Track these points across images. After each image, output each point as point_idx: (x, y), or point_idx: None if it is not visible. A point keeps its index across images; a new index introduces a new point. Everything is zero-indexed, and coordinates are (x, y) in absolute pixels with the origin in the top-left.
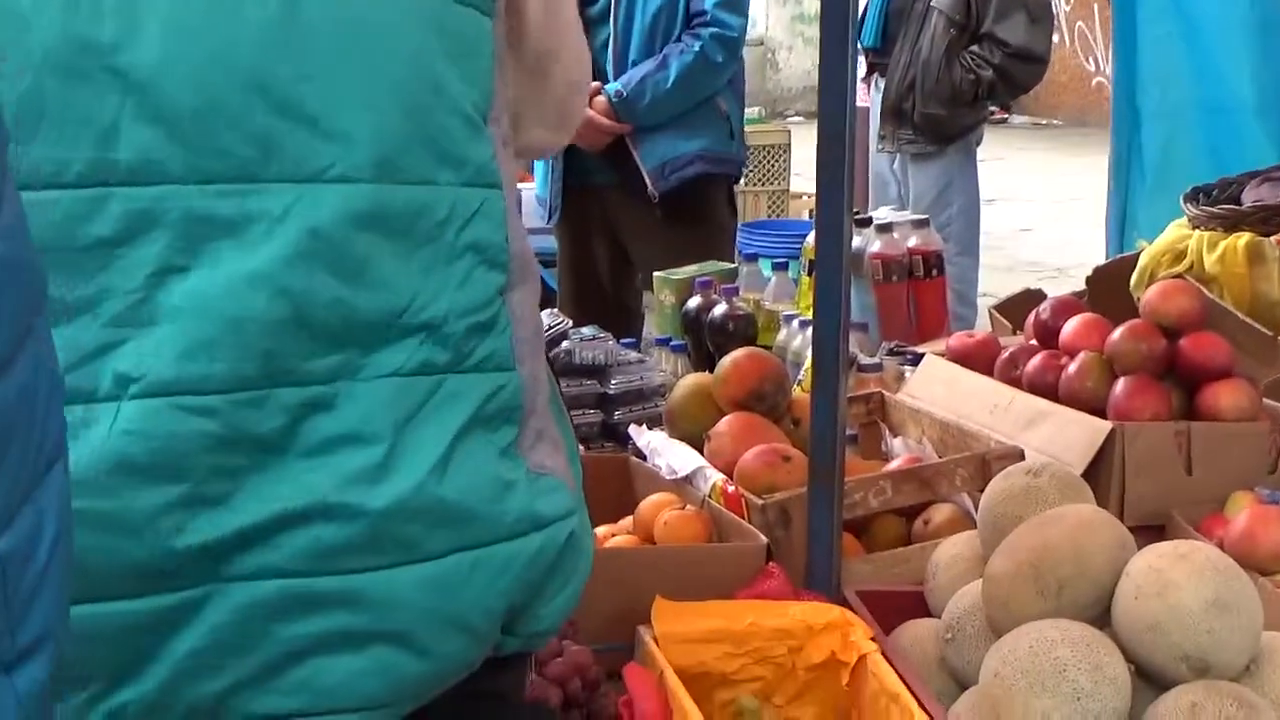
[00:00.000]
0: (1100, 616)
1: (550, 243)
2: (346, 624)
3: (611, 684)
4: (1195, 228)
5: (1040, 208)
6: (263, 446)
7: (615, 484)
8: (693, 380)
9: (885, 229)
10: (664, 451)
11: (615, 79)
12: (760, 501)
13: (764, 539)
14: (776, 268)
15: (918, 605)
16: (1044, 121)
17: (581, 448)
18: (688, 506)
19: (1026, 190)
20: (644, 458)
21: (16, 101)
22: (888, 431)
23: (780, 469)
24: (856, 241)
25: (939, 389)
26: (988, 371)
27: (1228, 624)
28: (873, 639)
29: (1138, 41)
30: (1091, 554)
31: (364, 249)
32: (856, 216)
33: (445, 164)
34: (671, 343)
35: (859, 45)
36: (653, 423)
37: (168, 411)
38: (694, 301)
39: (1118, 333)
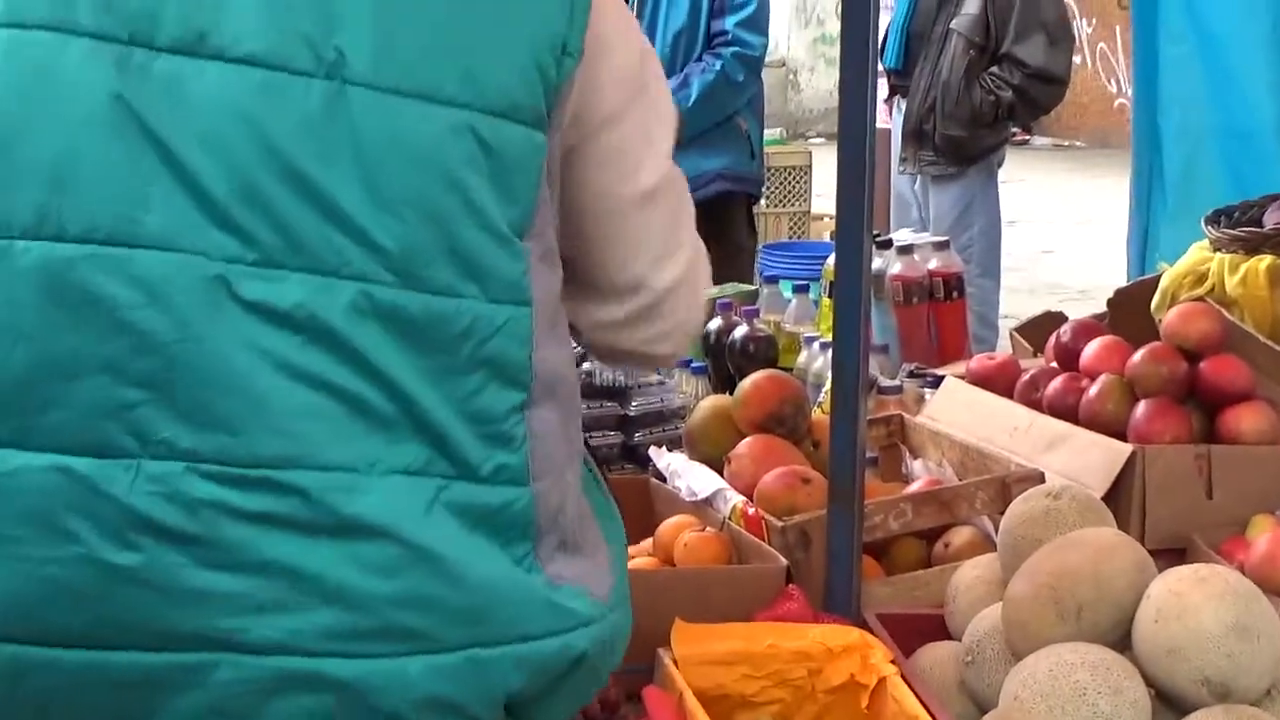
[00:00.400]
0: (1120, 640)
1: None
2: (348, 706)
3: (631, 706)
4: (1216, 250)
5: (1062, 229)
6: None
7: (635, 506)
8: (713, 402)
9: (906, 251)
10: (684, 473)
11: None
12: (780, 524)
13: (784, 561)
14: (797, 290)
15: (937, 628)
16: (1066, 143)
17: None
18: (708, 528)
19: (1048, 212)
20: (664, 479)
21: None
22: (908, 454)
23: (800, 491)
24: (877, 263)
25: (959, 411)
26: (1008, 394)
27: (1249, 648)
28: (892, 662)
29: (1159, 64)
30: (1112, 577)
31: (371, 344)
32: (877, 238)
33: (471, 278)
34: (692, 364)
35: (880, 67)
36: (673, 444)
37: (188, 478)
38: (714, 323)
39: (1138, 355)
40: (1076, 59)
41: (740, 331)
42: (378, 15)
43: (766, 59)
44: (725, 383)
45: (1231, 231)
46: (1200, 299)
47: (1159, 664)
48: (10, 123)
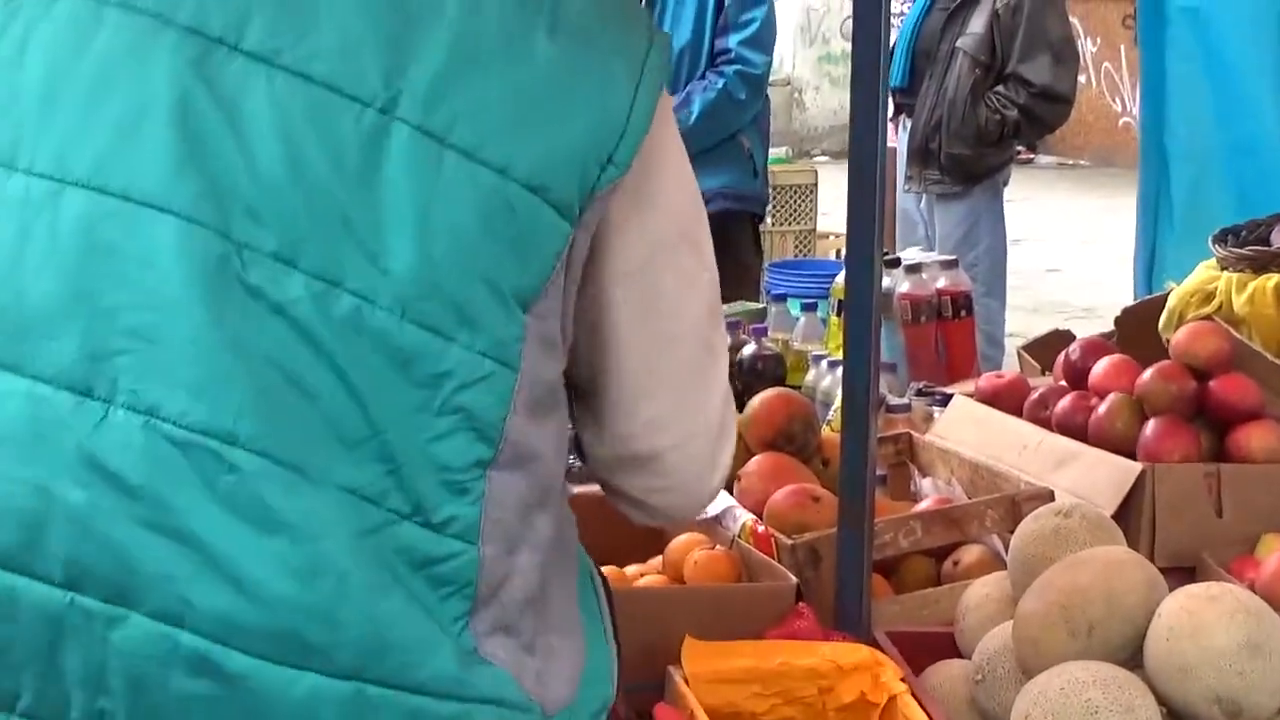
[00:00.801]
0: (1131, 658)
1: None
2: (229, 702)
3: None
4: (1224, 269)
5: (1067, 248)
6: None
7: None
8: None
9: (914, 270)
10: None
11: None
12: (790, 541)
13: (794, 579)
14: (805, 308)
15: (948, 646)
16: (1070, 162)
17: None
18: (717, 546)
19: (1053, 230)
20: None
21: None
22: (917, 472)
23: (810, 509)
24: (885, 282)
25: (968, 430)
26: (1017, 412)
27: (1260, 666)
28: (903, 680)
29: (1166, 83)
30: (1122, 595)
31: (355, 360)
32: (885, 257)
33: (464, 324)
34: None
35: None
36: None
37: (145, 432)
38: None
39: (1147, 374)
40: (1081, 78)
41: (748, 350)
42: (447, 67)
43: (771, 78)
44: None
45: (1239, 250)
46: (1208, 318)
47: (1171, 682)
48: (99, 81)
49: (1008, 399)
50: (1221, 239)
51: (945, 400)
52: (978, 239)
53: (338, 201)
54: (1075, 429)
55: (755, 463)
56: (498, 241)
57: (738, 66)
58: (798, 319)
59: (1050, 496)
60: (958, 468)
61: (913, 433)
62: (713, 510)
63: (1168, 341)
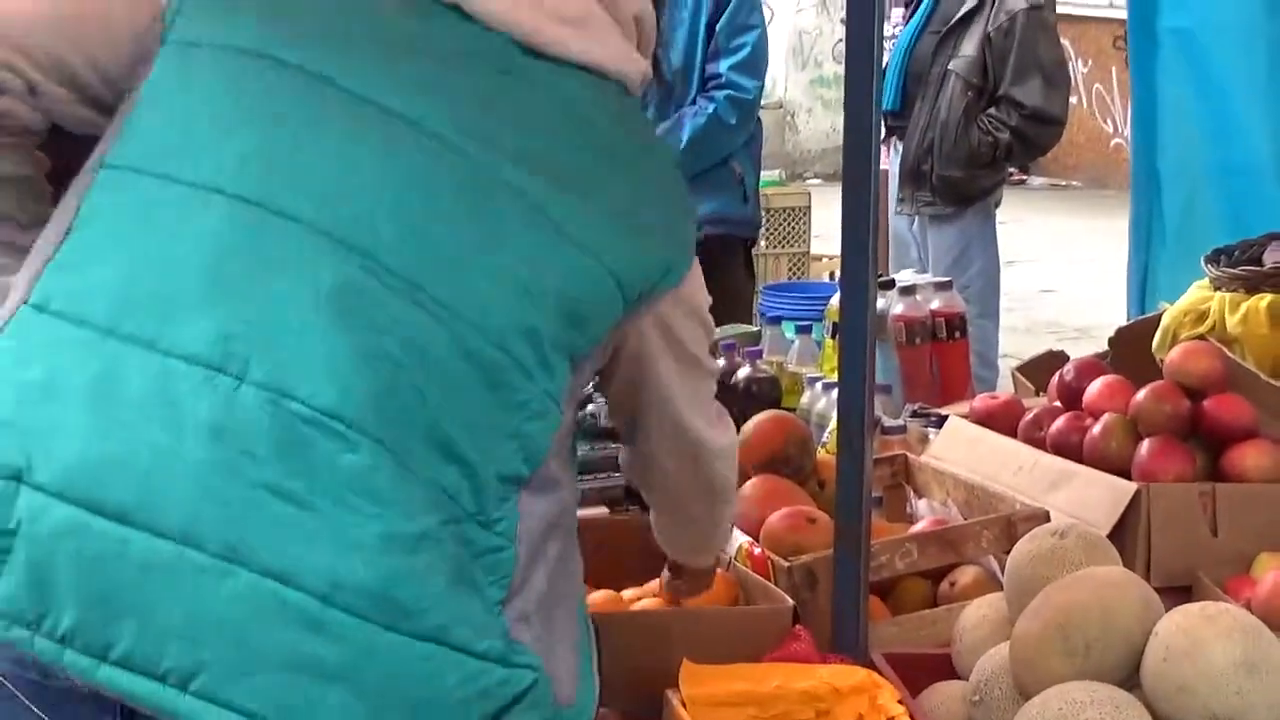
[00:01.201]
0: (1128, 678)
1: None
2: (328, 657)
3: None
4: (1217, 289)
5: (1060, 268)
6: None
7: (641, 547)
8: None
9: (908, 291)
10: None
11: None
12: (786, 564)
13: (790, 601)
14: (800, 330)
15: (945, 667)
16: (1063, 183)
17: (606, 510)
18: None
19: (1047, 251)
20: None
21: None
22: (912, 493)
23: (806, 531)
24: (879, 304)
25: (963, 451)
26: (1011, 433)
27: (1257, 685)
28: (900, 701)
29: (1157, 104)
30: (1119, 615)
31: (458, 381)
32: (879, 279)
33: (543, 369)
34: None
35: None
36: None
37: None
38: (718, 364)
39: (1141, 394)
40: (1073, 100)
41: (744, 373)
42: (568, 180)
43: (764, 100)
44: None
45: (1232, 270)
46: (1201, 337)
47: (1169, 701)
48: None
49: (1002, 420)
50: (1214, 259)
51: (940, 421)
52: (971, 260)
53: (464, 250)
54: (1070, 449)
55: (751, 485)
56: (576, 308)
57: (728, 91)
58: (793, 341)
59: (1046, 517)
60: (953, 489)
61: (908, 454)
62: None
63: (1161, 361)
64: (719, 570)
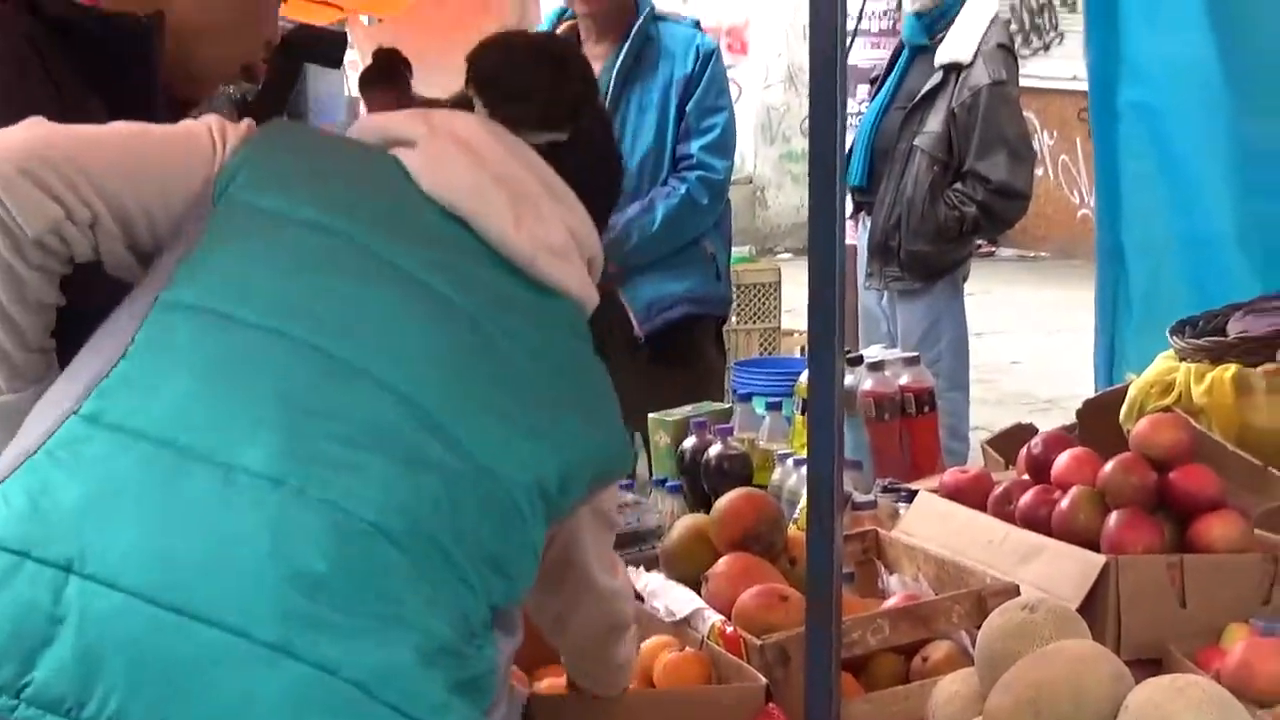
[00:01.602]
0: None
1: None
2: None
3: None
4: (1182, 360)
5: (1029, 340)
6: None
7: None
8: (689, 522)
9: (876, 367)
10: (662, 594)
11: None
12: (759, 642)
13: (763, 680)
14: (770, 407)
15: None
16: (1031, 254)
17: None
18: (687, 648)
19: (1015, 323)
20: (642, 600)
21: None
22: (884, 569)
23: (778, 609)
24: (848, 380)
25: (934, 526)
26: (981, 507)
27: None
28: None
29: (1119, 176)
30: (1089, 689)
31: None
32: (848, 355)
33: (536, 517)
34: (668, 483)
35: (846, 184)
36: (650, 564)
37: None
38: (689, 442)
39: (1109, 466)
40: (1039, 171)
41: (715, 450)
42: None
43: (734, 176)
44: (701, 501)
45: (1196, 341)
46: (1168, 409)
47: None
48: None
49: (972, 494)
50: (1179, 330)
51: (910, 496)
52: (940, 334)
53: (490, 408)
54: (1039, 523)
55: (723, 563)
56: (567, 472)
57: (699, 172)
58: (763, 418)
59: (1016, 591)
60: (924, 564)
61: (879, 530)
62: (681, 612)
63: (1128, 433)
64: (691, 650)
